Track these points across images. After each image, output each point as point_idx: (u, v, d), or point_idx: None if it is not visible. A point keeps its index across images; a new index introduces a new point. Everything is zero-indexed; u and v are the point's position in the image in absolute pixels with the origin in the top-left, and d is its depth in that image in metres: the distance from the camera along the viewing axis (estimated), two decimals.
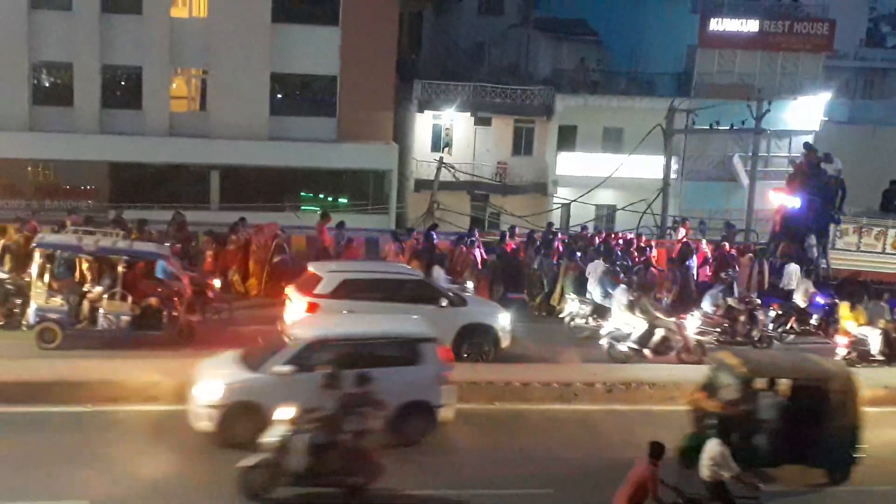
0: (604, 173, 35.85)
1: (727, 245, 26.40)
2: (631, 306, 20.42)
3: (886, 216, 26.80)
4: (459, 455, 15.31)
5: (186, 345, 18.39)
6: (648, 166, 36.27)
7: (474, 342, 19.32)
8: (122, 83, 35.65)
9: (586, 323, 21.92)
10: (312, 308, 18.50)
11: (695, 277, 24.86)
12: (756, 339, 21.70)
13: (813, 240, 27.04)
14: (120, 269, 18.58)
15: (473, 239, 24.68)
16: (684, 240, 27.32)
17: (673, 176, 36.42)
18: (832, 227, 26.57)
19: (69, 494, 12.90)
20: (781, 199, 28.44)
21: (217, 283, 21.38)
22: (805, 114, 42.77)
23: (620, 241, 26.47)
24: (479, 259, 23.95)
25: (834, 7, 45.72)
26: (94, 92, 34.57)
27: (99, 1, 33.88)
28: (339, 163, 36.90)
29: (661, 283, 23.54)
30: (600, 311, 21.69)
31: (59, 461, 13.83)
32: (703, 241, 27.08)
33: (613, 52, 44.59)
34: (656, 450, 11.98)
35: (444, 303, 19.35)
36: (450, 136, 41.20)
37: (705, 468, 12.87)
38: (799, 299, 23.39)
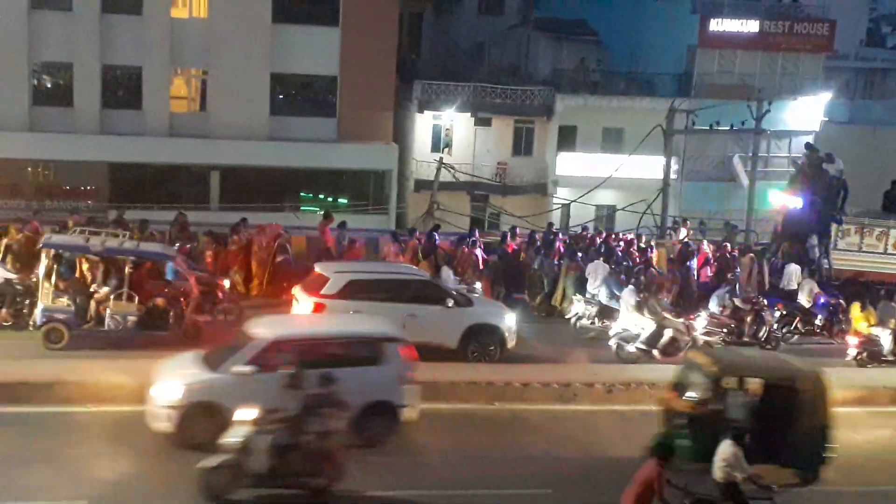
0: (604, 173, 35.84)
1: (728, 246, 26.41)
2: (639, 307, 20.49)
3: (888, 216, 26.75)
4: (460, 455, 15.28)
5: (193, 345, 18.29)
6: (648, 167, 36.25)
7: (481, 342, 19.36)
8: (123, 83, 35.57)
9: (592, 324, 21.99)
10: (319, 308, 18.52)
11: (696, 278, 24.86)
12: (763, 339, 21.73)
13: (815, 240, 27.06)
14: (127, 269, 18.59)
15: (474, 239, 24.73)
16: (685, 240, 27.34)
17: (673, 176, 36.40)
18: (834, 227, 26.54)
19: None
20: (783, 200, 28.45)
21: (226, 283, 21.37)
22: (805, 114, 42.76)
23: (621, 243, 26.45)
24: (480, 259, 23.98)
25: (834, 7, 45.72)
26: (95, 92, 34.55)
27: (99, 1, 33.84)
28: (339, 163, 36.90)
29: (662, 283, 23.53)
30: (606, 312, 21.76)
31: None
32: (705, 242, 27.09)
33: (613, 53, 44.60)
34: (663, 450, 11.95)
35: (451, 303, 19.39)
36: (450, 136, 41.19)
37: (718, 469, 12.81)
38: (803, 300, 23.42)
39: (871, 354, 21.10)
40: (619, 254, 25.57)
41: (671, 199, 35.09)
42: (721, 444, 12.95)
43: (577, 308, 22.46)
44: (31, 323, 18.57)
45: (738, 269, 24.95)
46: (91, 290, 18.95)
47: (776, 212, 29.51)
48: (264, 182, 35.87)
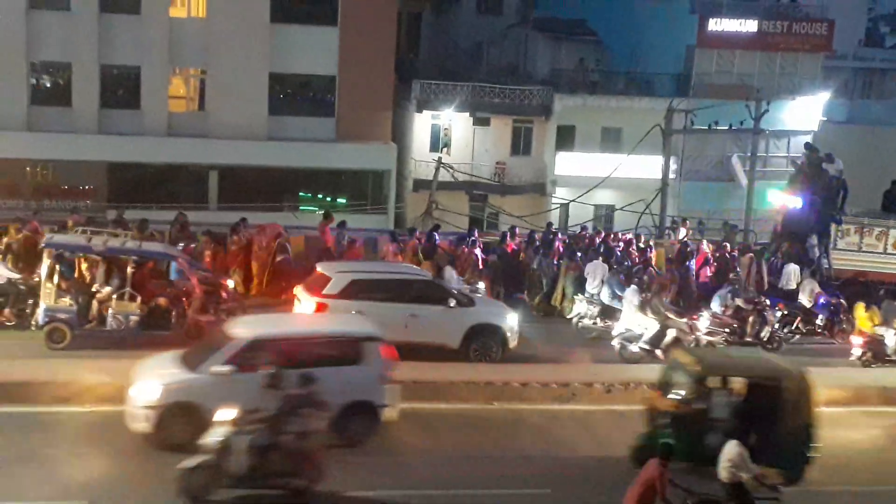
0: (602, 173, 35.82)
1: (728, 246, 26.41)
2: (643, 307, 20.50)
3: (888, 216, 26.76)
4: (459, 456, 15.29)
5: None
6: (647, 166, 36.24)
7: (482, 342, 19.36)
8: (121, 83, 35.56)
9: (594, 324, 22.00)
10: (321, 308, 18.56)
11: (695, 278, 24.85)
12: (765, 339, 21.76)
13: (814, 240, 27.08)
14: (129, 269, 18.59)
15: (474, 239, 24.75)
16: (684, 240, 27.35)
17: (671, 176, 36.41)
18: (833, 227, 26.56)
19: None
20: (783, 200, 28.47)
21: (230, 283, 21.36)
22: (804, 114, 42.76)
23: (621, 244, 26.45)
24: (479, 259, 23.99)
25: (833, 7, 45.68)
26: (93, 92, 34.53)
27: (97, 1, 33.81)
28: (338, 163, 36.88)
29: (664, 283, 23.51)
30: (608, 312, 21.77)
31: None
32: (704, 242, 27.10)
33: (612, 53, 44.59)
34: (665, 451, 11.95)
35: (453, 303, 19.42)
36: (448, 136, 41.17)
37: (723, 470, 12.80)
38: (804, 300, 23.43)
39: (876, 354, 21.12)
40: (619, 254, 25.56)
41: (670, 198, 35.11)
42: (726, 444, 12.93)
43: (579, 308, 22.48)
44: (33, 323, 18.55)
45: (739, 269, 24.94)
46: (93, 289, 18.92)
47: (776, 211, 29.51)
48: (263, 182, 35.85)
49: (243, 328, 15.43)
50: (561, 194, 39.02)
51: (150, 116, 34.84)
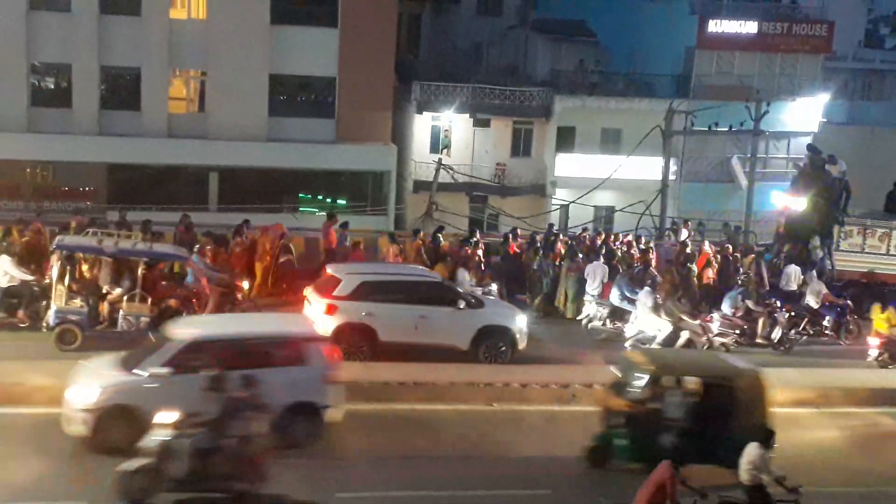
0: (602, 174, 35.80)
1: (730, 247, 26.40)
2: (656, 308, 20.49)
3: (891, 217, 26.75)
4: (458, 456, 15.29)
5: None
6: (647, 168, 36.25)
7: (492, 344, 19.36)
8: (121, 84, 35.63)
9: (604, 325, 22.00)
10: (331, 310, 18.58)
11: (696, 280, 24.82)
12: (776, 341, 21.77)
13: (817, 241, 27.07)
14: (140, 270, 18.62)
15: (476, 239, 24.78)
16: (685, 241, 27.33)
17: (671, 177, 36.42)
18: (836, 228, 26.58)
19: None
20: (785, 201, 28.47)
21: (245, 284, 21.34)
22: (804, 115, 42.76)
23: (624, 247, 26.43)
24: (481, 261, 24.00)
25: (832, 8, 45.69)
26: (93, 93, 34.55)
27: (98, 2, 33.82)
28: (338, 164, 36.89)
29: (672, 282, 23.53)
30: (618, 314, 21.77)
31: None
32: (706, 243, 27.10)
33: (612, 54, 44.61)
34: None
35: (462, 304, 19.43)
36: (448, 137, 41.21)
37: (744, 472, 12.73)
38: (811, 301, 23.41)
39: (893, 355, 21.04)
40: (619, 255, 25.52)
41: (670, 200, 35.13)
42: (747, 446, 12.89)
43: (589, 309, 22.50)
44: (44, 324, 18.56)
45: (741, 271, 24.93)
46: (104, 291, 18.95)
47: (778, 213, 29.50)
48: (263, 183, 35.87)
49: (183, 329, 15.22)
50: (561, 195, 39.00)
51: (150, 118, 34.84)
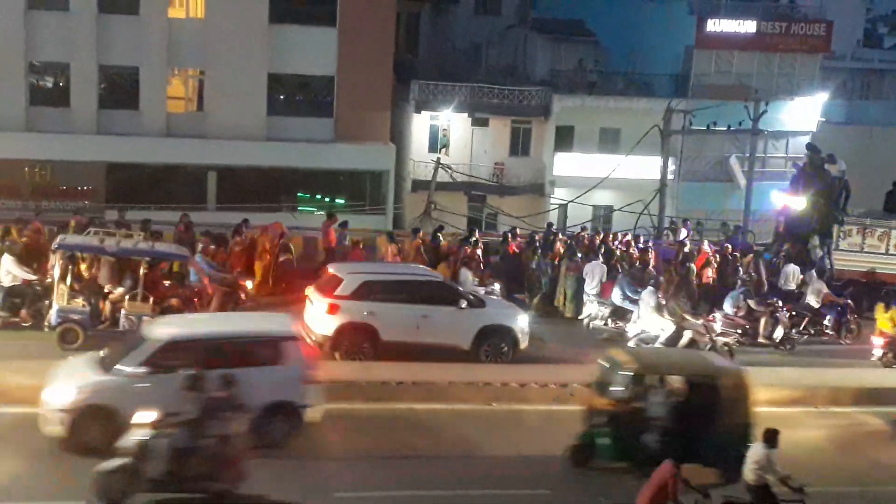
0: (601, 174, 35.82)
1: (730, 247, 26.41)
2: (659, 308, 20.49)
3: (890, 217, 26.76)
4: (457, 455, 15.29)
5: None
6: (645, 167, 36.28)
7: (493, 343, 19.37)
8: (120, 83, 35.58)
9: (605, 324, 22.00)
10: (333, 309, 18.59)
11: (696, 279, 24.83)
12: (778, 340, 21.77)
13: (816, 240, 27.08)
14: (142, 270, 18.60)
15: (475, 239, 24.78)
16: (684, 241, 27.34)
17: (670, 177, 36.41)
18: (836, 228, 26.60)
19: None
20: (785, 200, 28.47)
21: (249, 283, 21.30)
22: (802, 114, 42.81)
23: (623, 247, 26.44)
24: (481, 260, 24.02)
25: (831, 8, 45.77)
26: (92, 92, 34.51)
27: (96, 1, 33.78)
28: (337, 163, 36.86)
29: (673, 282, 23.56)
30: (619, 313, 21.77)
31: None
32: (706, 242, 27.09)
33: (611, 53, 44.57)
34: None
35: (464, 304, 19.41)
36: (447, 136, 41.21)
37: (749, 472, 12.72)
38: (812, 301, 23.41)
39: None
40: (618, 255, 25.53)
41: (668, 199, 35.14)
42: (752, 446, 12.86)
43: (590, 309, 22.50)
44: (46, 324, 18.55)
45: (740, 270, 24.93)
46: (106, 290, 18.94)
47: (777, 212, 29.51)
48: (261, 182, 35.85)
49: (161, 328, 15.14)
50: (559, 195, 39.05)
51: (148, 117, 34.83)
